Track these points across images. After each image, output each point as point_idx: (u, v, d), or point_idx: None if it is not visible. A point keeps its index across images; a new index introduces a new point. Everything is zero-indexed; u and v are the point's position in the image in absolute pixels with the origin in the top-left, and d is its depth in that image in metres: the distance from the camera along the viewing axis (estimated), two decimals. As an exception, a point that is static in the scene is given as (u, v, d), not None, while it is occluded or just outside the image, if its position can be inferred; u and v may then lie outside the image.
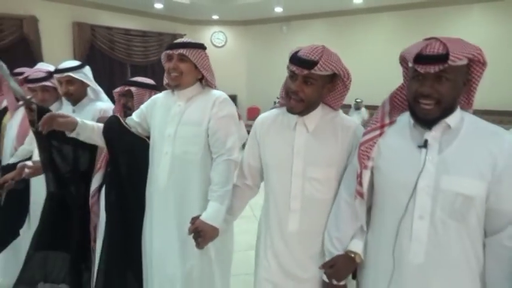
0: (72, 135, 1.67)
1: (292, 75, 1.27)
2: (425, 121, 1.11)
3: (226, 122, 1.63)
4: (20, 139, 2.48)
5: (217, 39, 9.68)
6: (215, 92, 1.71)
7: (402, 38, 7.59)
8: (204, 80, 1.74)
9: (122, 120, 1.79)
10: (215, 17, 9.12)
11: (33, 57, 6.50)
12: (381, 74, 7.54)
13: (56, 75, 2.22)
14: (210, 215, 1.51)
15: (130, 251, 1.79)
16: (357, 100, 7.52)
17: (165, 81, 1.73)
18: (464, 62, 1.07)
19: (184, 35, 9.24)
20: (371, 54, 7.90)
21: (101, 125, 1.77)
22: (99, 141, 1.76)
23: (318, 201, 1.35)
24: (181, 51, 1.63)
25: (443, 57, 1.01)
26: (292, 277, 1.40)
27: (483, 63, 1.09)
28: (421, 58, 1.04)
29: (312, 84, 1.27)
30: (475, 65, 1.09)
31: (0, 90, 2.79)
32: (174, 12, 8.38)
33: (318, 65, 1.18)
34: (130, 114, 1.86)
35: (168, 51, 1.67)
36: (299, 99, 1.28)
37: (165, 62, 1.68)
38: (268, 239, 1.45)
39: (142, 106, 1.82)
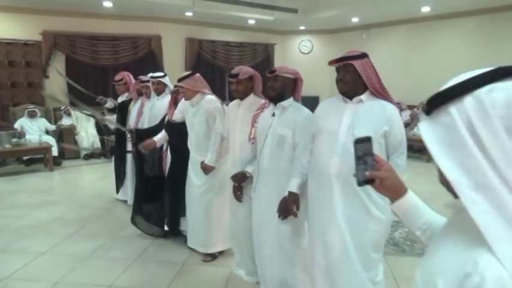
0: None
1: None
2: (271, 100, 2.35)
3: None
4: (138, 116, 4.34)
5: (304, 47, 10.92)
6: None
7: (471, 43, 7.85)
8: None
9: (171, 120, 3.30)
10: (302, 27, 10.37)
11: (157, 66, 8.67)
12: (450, 75, 7.93)
13: (151, 79, 3.88)
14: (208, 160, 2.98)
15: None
16: (424, 102, 8.00)
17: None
18: (291, 76, 2.29)
19: (275, 44, 10.74)
20: (443, 58, 8.25)
21: (164, 133, 3.36)
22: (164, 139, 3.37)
23: None
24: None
25: (274, 72, 2.28)
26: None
27: (300, 80, 2.33)
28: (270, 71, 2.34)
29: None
30: (298, 80, 2.33)
31: (128, 90, 4.74)
32: (266, 25, 9.87)
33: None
34: (177, 104, 3.35)
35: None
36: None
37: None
38: None
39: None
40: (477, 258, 0.59)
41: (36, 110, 7.06)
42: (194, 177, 3.15)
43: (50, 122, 7.38)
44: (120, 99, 5.06)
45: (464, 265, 0.60)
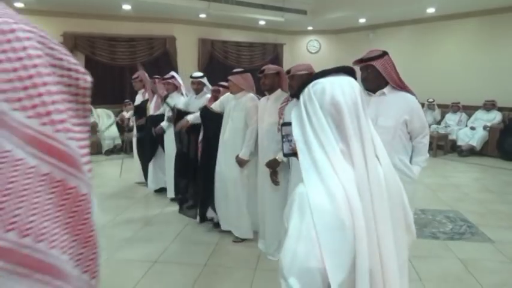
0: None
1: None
2: (293, 97, 2.67)
3: None
4: (156, 108, 4.84)
5: (312, 47, 11.26)
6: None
7: (475, 43, 8.16)
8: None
9: (209, 108, 3.64)
10: (310, 27, 10.70)
11: (171, 66, 9.01)
12: (454, 74, 8.27)
13: (192, 79, 4.25)
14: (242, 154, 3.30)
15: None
16: (429, 100, 8.31)
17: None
18: (305, 72, 2.62)
19: (284, 44, 11.08)
20: (447, 57, 8.56)
21: (197, 115, 3.69)
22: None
23: None
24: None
25: (289, 72, 2.64)
26: None
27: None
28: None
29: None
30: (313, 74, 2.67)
31: (143, 87, 5.25)
32: (275, 25, 10.21)
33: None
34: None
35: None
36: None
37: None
38: None
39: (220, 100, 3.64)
40: (298, 186, 1.00)
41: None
42: (226, 167, 3.46)
43: (72, 119, 7.75)
44: (138, 97, 5.56)
45: (295, 192, 1.01)
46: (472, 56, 8.15)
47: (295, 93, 1.19)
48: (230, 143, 3.44)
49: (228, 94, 3.58)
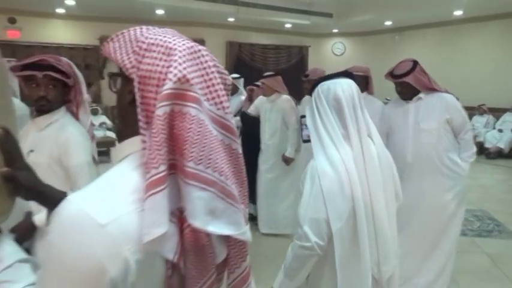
0: None
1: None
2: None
3: None
4: None
5: (337, 49, 11.38)
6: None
7: (502, 45, 8.12)
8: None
9: (248, 112, 3.88)
10: (335, 30, 10.83)
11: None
12: (481, 76, 8.26)
13: None
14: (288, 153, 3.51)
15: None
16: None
17: None
18: (362, 74, 2.81)
19: (309, 46, 11.24)
20: (474, 59, 8.54)
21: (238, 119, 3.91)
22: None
23: None
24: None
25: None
26: None
27: (371, 77, 2.86)
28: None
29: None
30: (369, 77, 2.90)
31: None
32: (301, 28, 10.39)
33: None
34: (253, 100, 3.91)
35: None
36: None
37: None
38: None
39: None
40: (310, 161, 1.33)
41: (98, 107, 7.85)
42: (269, 167, 3.68)
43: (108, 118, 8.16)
44: None
45: (308, 165, 1.35)
46: (500, 58, 8.12)
47: (309, 92, 1.49)
48: (271, 144, 3.66)
49: (261, 97, 3.82)
